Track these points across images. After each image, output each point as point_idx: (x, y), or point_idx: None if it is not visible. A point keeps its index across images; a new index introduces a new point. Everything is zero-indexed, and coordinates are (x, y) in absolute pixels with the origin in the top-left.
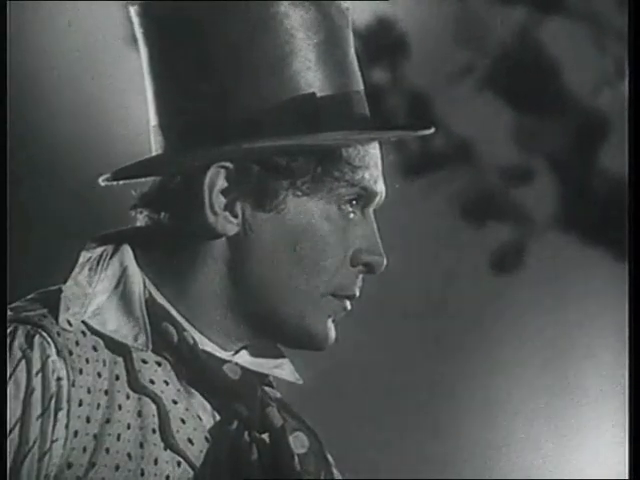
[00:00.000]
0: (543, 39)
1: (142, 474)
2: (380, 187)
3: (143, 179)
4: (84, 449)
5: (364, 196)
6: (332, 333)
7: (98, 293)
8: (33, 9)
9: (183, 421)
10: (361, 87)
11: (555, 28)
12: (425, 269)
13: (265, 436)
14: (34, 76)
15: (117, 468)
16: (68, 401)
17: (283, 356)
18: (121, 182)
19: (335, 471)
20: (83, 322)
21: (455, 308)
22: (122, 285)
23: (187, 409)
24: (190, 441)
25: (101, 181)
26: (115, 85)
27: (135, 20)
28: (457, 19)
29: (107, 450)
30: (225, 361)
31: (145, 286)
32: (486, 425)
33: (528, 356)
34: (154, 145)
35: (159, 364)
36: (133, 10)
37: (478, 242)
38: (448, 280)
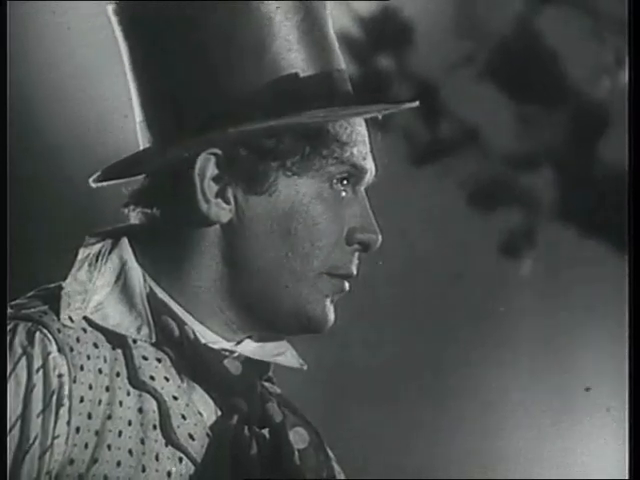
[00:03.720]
0: (542, 28)
1: (143, 470)
2: (369, 164)
3: (134, 178)
4: (86, 445)
5: (354, 174)
6: (331, 314)
7: (99, 288)
8: (33, 9)
9: (184, 417)
10: (343, 66)
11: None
12: (432, 255)
13: (265, 431)
14: (34, 76)
15: (119, 464)
16: (69, 397)
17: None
18: (112, 182)
19: (335, 466)
20: (84, 318)
21: (461, 292)
22: (122, 279)
23: (187, 405)
24: (191, 437)
25: (92, 181)
26: (116, 84)
27: (113, 18)
28: (459, 7)
29: (109, 446)
30: (226, 356)
31: (145, 281)
32: (486, 415)
33: (527, 346)
34: (141, 141)
35: (159, 360)
36: (110, 9)
37: (484, 228)
38: (454, 265)
